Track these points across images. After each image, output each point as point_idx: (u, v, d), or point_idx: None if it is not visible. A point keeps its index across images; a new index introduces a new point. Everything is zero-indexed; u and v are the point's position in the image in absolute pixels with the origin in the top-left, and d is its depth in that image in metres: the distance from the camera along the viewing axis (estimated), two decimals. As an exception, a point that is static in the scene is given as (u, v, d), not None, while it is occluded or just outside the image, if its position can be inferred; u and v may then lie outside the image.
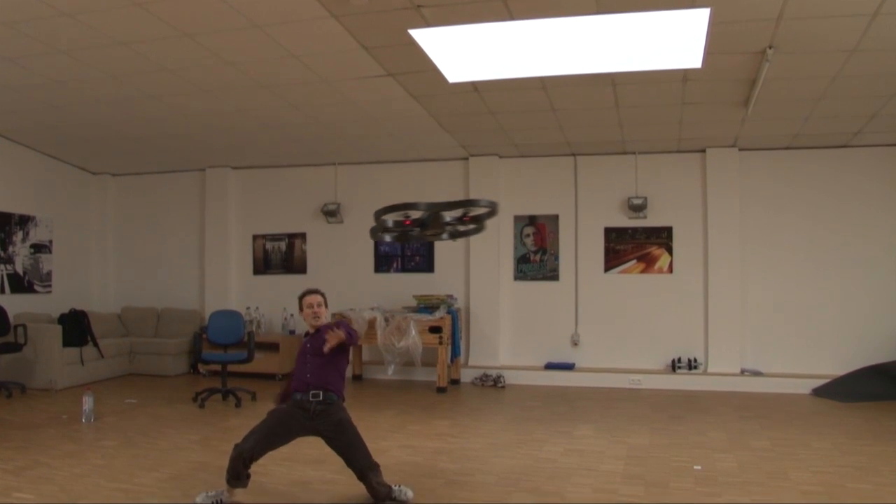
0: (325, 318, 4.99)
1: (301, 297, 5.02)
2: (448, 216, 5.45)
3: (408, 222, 5.60)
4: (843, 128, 8.29)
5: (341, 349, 4.76)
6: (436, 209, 5.37)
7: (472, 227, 5.64)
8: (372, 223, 5.70)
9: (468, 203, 5.61)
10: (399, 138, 9.16)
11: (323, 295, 5.02)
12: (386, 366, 8.95)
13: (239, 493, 4.61)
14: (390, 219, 5.56)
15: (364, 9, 5.26)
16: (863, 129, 8.23)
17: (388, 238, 5.94)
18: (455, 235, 5.85)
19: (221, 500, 4.52)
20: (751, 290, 9.26)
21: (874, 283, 8.93)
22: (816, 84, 6.80)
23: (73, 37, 5.90)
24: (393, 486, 4.56)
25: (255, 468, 4.58)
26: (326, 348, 4.60)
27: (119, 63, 6.52)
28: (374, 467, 4.54)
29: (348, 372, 9.53)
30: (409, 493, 4.63)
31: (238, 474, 4.46)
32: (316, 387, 4.65)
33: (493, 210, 5.44)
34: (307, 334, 5.00)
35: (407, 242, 5.72)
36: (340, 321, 4.98)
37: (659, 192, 9.53)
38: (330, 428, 4.60)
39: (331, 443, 4.66)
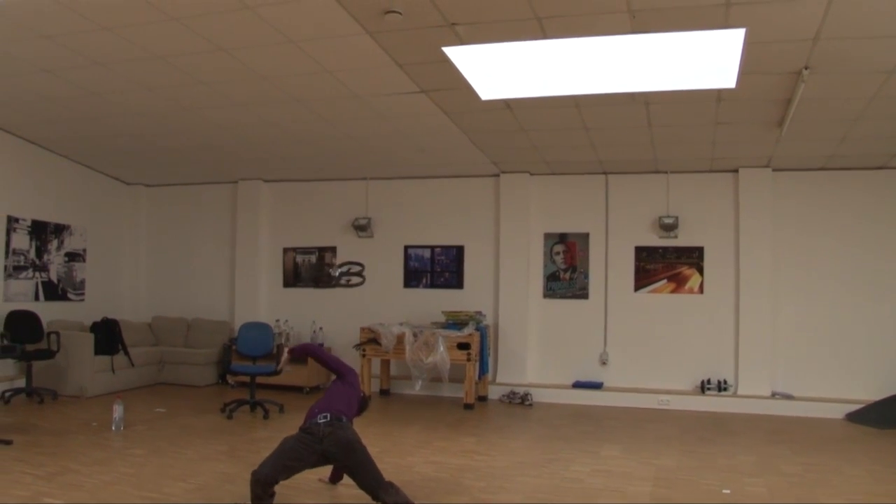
0: None
1: None
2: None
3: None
4: (879, 149, 8.17)
5: (341, 378, 5.18)
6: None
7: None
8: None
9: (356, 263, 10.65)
10: (431, 154, 9.19)
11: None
12: (413, 381, 8.96)
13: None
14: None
15: (399, 26, 5.30)
16: (900, 151, 8.12)
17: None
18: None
19: None
20: (782, 311, 9.14)
21: (910, 308, 8.78)
22: (853, 105, 6.72)
23: (111, 50, 6.01)
24: None
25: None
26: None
27: (155, 76, 6.63)
28: (387, 486, 4.46)
29: (375, 386, 9.67)
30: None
31: (259, 498, 4.45)
32: (322, 411, 4.73)
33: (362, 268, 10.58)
34: None
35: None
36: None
37: (690, 212, 9.46)
38: (338, 449, 4.58)
39: (341, 465, 4.71)
